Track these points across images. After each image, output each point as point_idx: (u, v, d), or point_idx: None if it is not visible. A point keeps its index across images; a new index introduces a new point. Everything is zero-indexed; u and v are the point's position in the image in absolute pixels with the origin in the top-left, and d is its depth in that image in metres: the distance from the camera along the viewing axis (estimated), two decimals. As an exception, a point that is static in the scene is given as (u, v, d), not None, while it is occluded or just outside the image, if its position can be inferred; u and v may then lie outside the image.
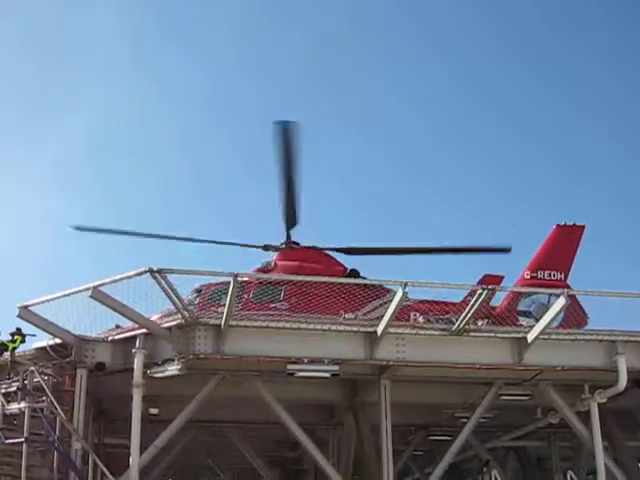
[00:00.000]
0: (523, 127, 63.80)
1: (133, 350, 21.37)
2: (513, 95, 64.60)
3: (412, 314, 24.38)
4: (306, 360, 21.51)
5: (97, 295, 20.59)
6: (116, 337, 22.31)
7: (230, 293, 20.49)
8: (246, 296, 25.39)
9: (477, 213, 61.32)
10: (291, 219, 26.54)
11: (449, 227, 53.90)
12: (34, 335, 23.03)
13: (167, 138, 57.98)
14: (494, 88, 63.71)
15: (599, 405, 23.35)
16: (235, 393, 22.98)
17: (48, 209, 57.34)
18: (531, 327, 22.60)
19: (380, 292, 24.92)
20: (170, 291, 20.56)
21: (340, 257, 27.37)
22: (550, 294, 22.78)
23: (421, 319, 23.81)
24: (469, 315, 21.94)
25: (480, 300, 21.48)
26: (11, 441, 21.07)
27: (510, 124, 63.64)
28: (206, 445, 29.50)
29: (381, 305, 24.20)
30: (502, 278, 25.27)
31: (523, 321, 24.97)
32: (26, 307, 21.67)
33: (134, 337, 21.69)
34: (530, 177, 62.18)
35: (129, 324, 22.05)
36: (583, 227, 25.09)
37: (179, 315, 21.33)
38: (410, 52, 63.69)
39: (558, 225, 25.35)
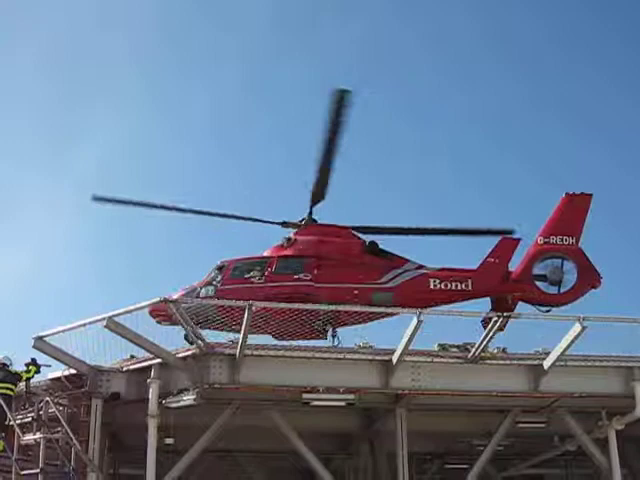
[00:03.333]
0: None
1: (148, 380, 21.36)
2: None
3: (431, 280, 24.58)
4: (321, 389, 21.44)
5: (112, 325, 20.61)
6: (131, 367, 22.30)
7: (244, 323, 20.47)
8: (269, 269, 25.24)
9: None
10: (319, 193, 25.99)
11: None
12: (49, 365, 23.05)
13: (175, 168, 58.20)
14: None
15: (617, 432, 23.18)
16: (250, 422, 22.89)
17: (64, 236, 57.38)
18: (547, 354, 22.45)
19: (398, 262, 25.04)
20: (184, 321, 20.58)
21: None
22: (567, 318, 22.59)
23: (440, 284, 24.35)
24: (485, 343, 21.85)
25: (495, 328, 21.42)
26: (27, 472, 21.03)
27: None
28: (222, 475, 29.30)
29: (397, 275, 24.54)
30: (519, 240, 25.45)
31: (540, 285, 24.87)
32: (41, 338, 21.72)
33: (149, 367, 21.70)
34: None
35: (144, 354, 22.01)
36: (590, 196, 25.42)
37: (194, 345, 21.30)
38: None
39: (567, 194, 25.64)
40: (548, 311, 25.22)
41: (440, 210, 52.08)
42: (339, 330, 25.38)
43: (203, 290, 25.33)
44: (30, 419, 22.00)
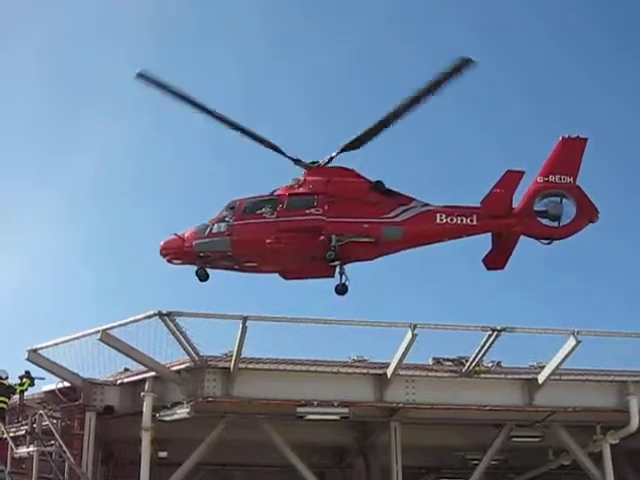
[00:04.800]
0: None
1: (142, 393, 21.35)
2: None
3: (438, 215, 25.24)
4: (316, 403, 21.46)
5: (106, 338, 20.64)
6: (125, 380, 22.29)
7: (239, 337, 20.49)
8: (281, 205, 25.44)
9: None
10: (356, 143, 25.79)
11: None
12: (43, 378, 23.03)
13: (171, 175, 57.84)
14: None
15: (611, 446, 23.20)
16: (244, 436, 22.82)
17: (58, 244, 57.00)
18: (541, 368, 22.48)
19: (404, 200, 25.70)
20: (179, 334, 20.59)
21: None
22: (561, 332, 22.61)
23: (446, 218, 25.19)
24: (479, 357, 21.86)
25: (490, 342, 21.46)
26: (20, 485, 21.00)
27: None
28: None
29: (405, 211, 25.23)
30: (523, 173, 25.99)
31: (542, 220, 25.64)
32: (35, 350, 21.73)
33: (143, 380, 21.70)
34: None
35: (138, 367, 22.00)
36: (586, 139, 26.10)
37: (188, 358, 21.29)
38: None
39: (563, 137, 26.19)
40: (549, 244, 25.77)
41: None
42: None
43: (215, 227, 25.21)
44: (24, 432, 21.95)
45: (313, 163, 26.43)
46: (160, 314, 20.33)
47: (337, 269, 25.11)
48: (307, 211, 25.13)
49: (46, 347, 21.67)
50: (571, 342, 21.61)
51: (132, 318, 20.62)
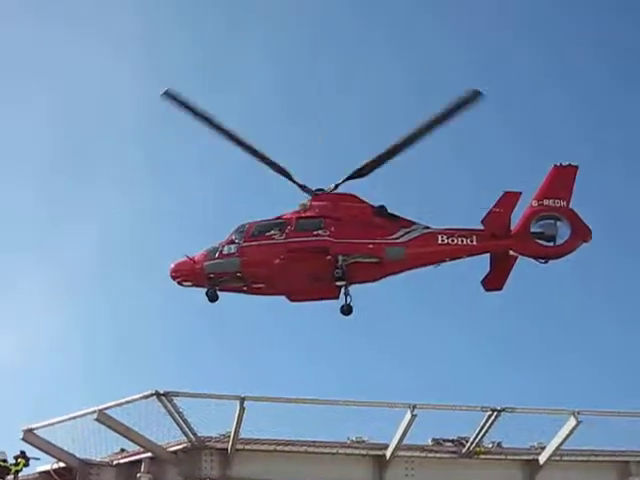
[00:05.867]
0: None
1: (138, 474, 21.13)
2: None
3: (439, 236, 26.41)
4: (315, 484, 21.23)
5: (102, 418, 20.48)
6: (121, 461, 22.00)
7: (236, 418, 20.33)
8: (290, 227, 26.36)
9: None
10: (367, 170, 27.19)
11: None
12: (38, 458, 22.71)
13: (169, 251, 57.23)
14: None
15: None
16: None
17: (54, 322, 56.39)
18: (542, 449, 22.25)
19: (406, 224, 26.91)
20: (176, 414, 20.43)
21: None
22: (561, 412, 22.42)
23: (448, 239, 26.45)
24: (479, 437, 21.66)
25: (490, 422, 21.28)
26: None
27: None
28: None
29: (407, 233, 26.51)
30: (520, 194, 27.02)
31: (539, 241, 26.77)
32: (30, 430, 21.51)
33: (139, 461, 21.45)
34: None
35: (135, 447, 21.75)
36: (576, 167, 27.38)
37: (185, 439, 21.08)
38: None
39: (555, 165, 27.42)
40: (546, 262, 26.78)
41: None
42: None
43: (225, 248, 26.21)
44: (18, 513, 21.64)
45: (319, 190, 27.47)
46: (157, 394, 20.20)
47: (342, 290, 26.19)
48: (314, 232, 26.18)
49: (42, 427, 21.45)
50: (572, 422, 21.45)
51: (129, 398, 20.47)
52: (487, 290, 27.22)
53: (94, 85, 57.17)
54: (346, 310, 26.13)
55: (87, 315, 55.92)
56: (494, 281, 27.11)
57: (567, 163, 27.35)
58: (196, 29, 59.60)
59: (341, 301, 26.28)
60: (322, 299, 26.65)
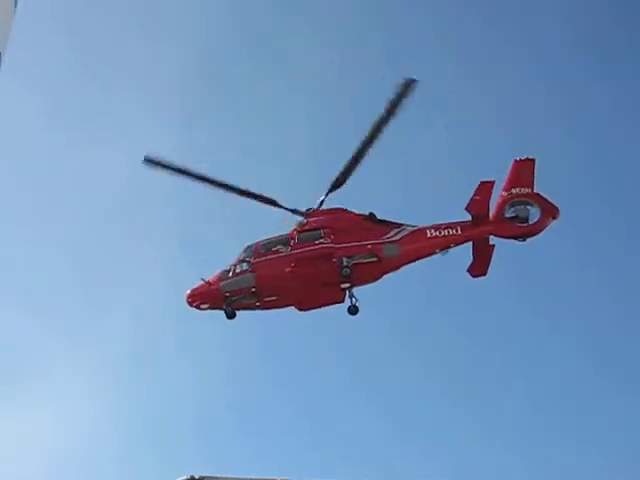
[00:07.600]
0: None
1: None
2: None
3: (428, 231, 30.12)
4: None
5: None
6: None
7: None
8: (293, 240, 29.59)
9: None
10: (342, 180, 30.27)
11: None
12: None
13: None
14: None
15: None
16: None
17: (86, 404, 55.64)
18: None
19: (395, 226, 30.38)
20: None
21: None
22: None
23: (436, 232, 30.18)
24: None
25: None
26: None
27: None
28: None
29: (399, 232, 30.12)
30: (494, 182, 30.60)
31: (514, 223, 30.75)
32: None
33: None
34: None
35: None
36: (534, 159, 30.97)
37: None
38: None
39: (515, 159, 31.11)
40: (524, 241, 30.72)
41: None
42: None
43: (238, 267, 29.25)
44: None
45: (308, 210, 30.50)
46: (193, 479, 20.92)
47: (347, 293, 29.33)
48: (317, 242, 29.36)
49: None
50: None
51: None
52: (473, 276, 30.82)
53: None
54: (353, 310, 29.27)
55: (120, 398, 55.44)
56: (478, 268, 30.76)
57: (525, 157, 30.94)
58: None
59: (347, 304, 29.57)
60: (329, 304, 29.51)
